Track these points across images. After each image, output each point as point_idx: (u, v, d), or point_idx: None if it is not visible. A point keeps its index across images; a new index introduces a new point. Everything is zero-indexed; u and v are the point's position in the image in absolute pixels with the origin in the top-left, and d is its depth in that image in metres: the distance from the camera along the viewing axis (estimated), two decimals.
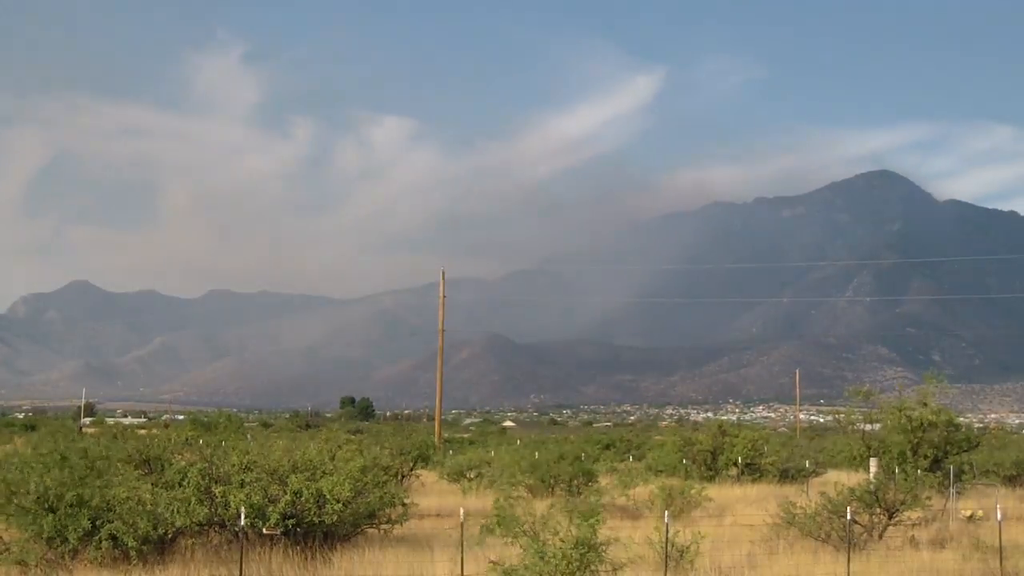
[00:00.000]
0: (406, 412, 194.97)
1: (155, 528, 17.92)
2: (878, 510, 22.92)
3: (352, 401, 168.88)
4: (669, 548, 17.99)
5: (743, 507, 30.57)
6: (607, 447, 65.52)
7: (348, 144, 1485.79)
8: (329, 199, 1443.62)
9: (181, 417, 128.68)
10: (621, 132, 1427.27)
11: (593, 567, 15.15)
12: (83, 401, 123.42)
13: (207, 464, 19.92)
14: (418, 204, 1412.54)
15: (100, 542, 17.41)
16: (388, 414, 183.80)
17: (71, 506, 17.56)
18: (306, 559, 18.53)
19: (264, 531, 18.95)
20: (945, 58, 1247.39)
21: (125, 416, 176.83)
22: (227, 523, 19.21)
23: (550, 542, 15.34)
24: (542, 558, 14.97)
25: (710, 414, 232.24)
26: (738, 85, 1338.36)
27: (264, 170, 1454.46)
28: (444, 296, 64.91)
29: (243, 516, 17.65)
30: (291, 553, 18.75)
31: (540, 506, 22.18)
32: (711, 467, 42.96)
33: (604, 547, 15.53)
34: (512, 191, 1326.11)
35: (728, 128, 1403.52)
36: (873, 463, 32.52)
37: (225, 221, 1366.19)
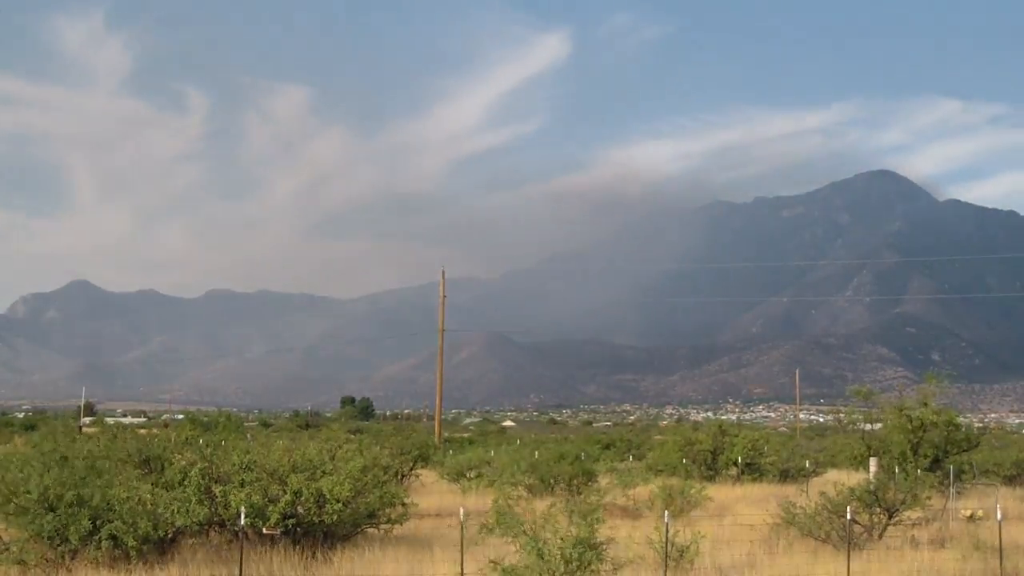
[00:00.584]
0: (406, 412, 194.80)
1: (155, 528, 17.91)
2: (878, 510, 22.92)
3: (352, 401, 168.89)
4: (669, 548, 17.98)
5: (743, 507, 30.56)
6: (607, 447, 65.45)
7: (252, 118, 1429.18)
8: (246, 180, 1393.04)
9: (181, 417, 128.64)
10: (537, 107, 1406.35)
11: (592, 566, 15.15)
12: (83, 401, 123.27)
13: (207, 464, 19.91)
14: (341, 184, 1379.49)
15: (100, 542, 17.40)
16: (388, 414, 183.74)
17: (71, 506, 17.54)
18: (306, 559, 18.53)
19: (264, 531, 18.95)
20: (888, 32, 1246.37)
21: (125, 416, 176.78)
22: (227, 523, 19.21)
23: (549, 541, 15.34)
24: (541, 557, 14.97)
25: (710, 414, 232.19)
26: (649, 51, 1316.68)
27: (170, 147, 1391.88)
28: (444, 296, 64.91)
29: (243, 516, 17.64)
30: (291, 553, 18.74)
31: (540, 506, 22.17)
32: (711, 467, 42.95)
33: (603, 546, 15.53)
34: (441, 167, 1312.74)
35: (647, 98, 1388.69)
36: (873, 463, 32.50)
37: (143, 204, 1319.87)
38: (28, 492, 17.69)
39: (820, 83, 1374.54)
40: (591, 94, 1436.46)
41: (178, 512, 18.32)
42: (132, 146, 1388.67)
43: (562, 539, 15.23)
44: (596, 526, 15.82)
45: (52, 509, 17.56)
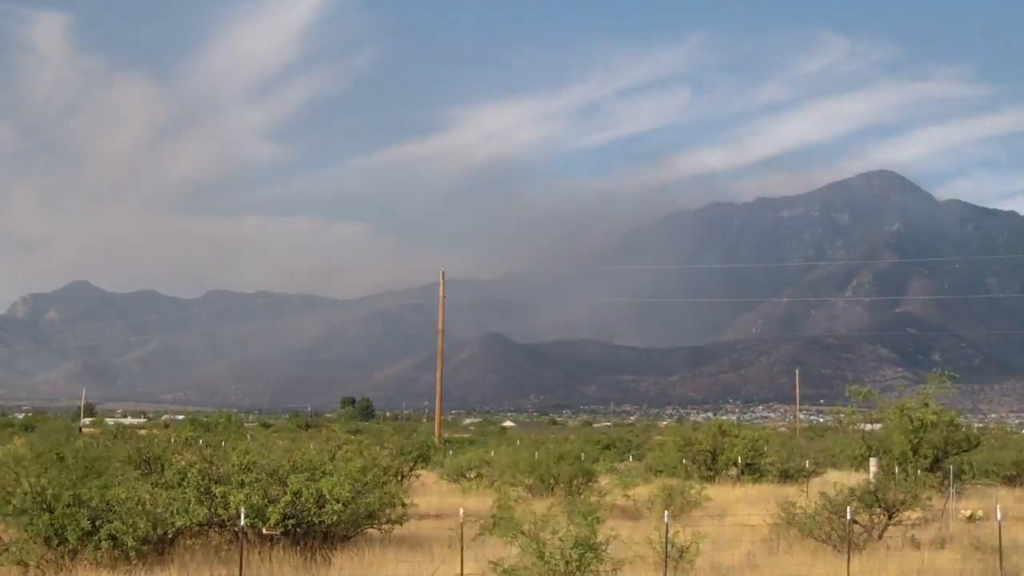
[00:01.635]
0: (406, 412, 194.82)
1: (155, 528, 17.90)
2: (878, 510, 22.91)
3: (352, 401, 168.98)
4: (669, 548, 17.98)
5: (743, 507, 30.55)
6: (607, 447, 65.45)
7: None
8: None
9: (181, 417, 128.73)
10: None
11: (592, 567, 15.15)
12: (83, 401, 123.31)
13: (207, 464, 19.92)
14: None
15: (100, 542, 17.39)
16: (388, 414, 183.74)
17: (69, 506, 17.54)
18: (306, 559, 18.53)
19: (264, 531, 18.95)
20: None
21: (125, 416, 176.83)
22: (227, 523, 19.21)
23: (549, 542, 15.34)
24: (541, 558, 14.97)
25: (710, 414, 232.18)
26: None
27: None
28: (444, 296, 64.91)
29: (243, 516, 17.64)
30: (291, 553, 18.75)
31: (540, 506, 22.18)
32: (711, 467, 42.94)
33: (603, 547, 15.52)
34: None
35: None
36: (873, 463, 32.50)
37: None
38: (25, 493, 17.68)
39: None
40: None
41: (178, 512, 18.32)
42: None
43: (562, 539, 15.23)
44: (596, 526, 15.82)
45: (49, 509, 17.55)
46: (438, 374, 65.38)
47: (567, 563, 14.87)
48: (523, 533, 16.06)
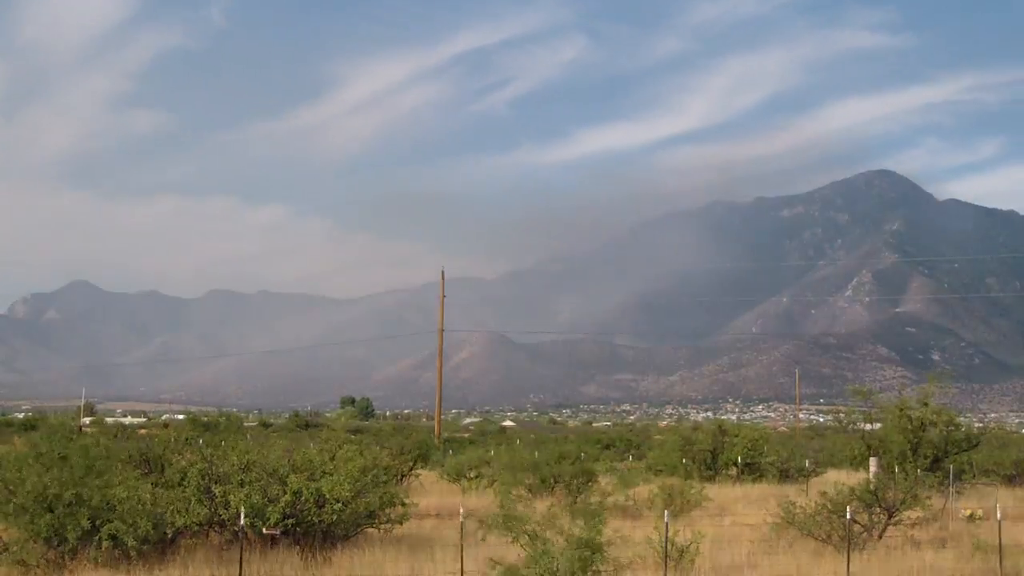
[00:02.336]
0: (406, 412, 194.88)
1: (155, 528, 17.91)
2: (878, 510, 22.91)
3: (352, 401, 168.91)
4: (669, 548, 17.99)
5: (743, 507, 30.58)
6: (607, 447, 65.50)
7: None
8: None
9: (181, 417, 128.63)
10: None
11: (595, 567, 15.16)
12: (83, 401, 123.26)
13: (207, 464, 19.92)
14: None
15: (100, 542, 17.40)
16: (388, 414, 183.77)
17: (69, 505, 17.54)
18: (306, 559, 18.53)
19: (264, 531, 18.95)
20: None
21: (125, 416, 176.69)
22: (227, 523, 19.21)
23: (552, 542, 15.35)
24: (544, 557, 14.97)
25: (710, 414, 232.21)
26: None
27: None
28: (444, 296, 64.91)
29: (243, 516, 17.65)
30: (291, 553, 18.75)
31: (540, 506, 22.19)
32: (711, 467, 42.95)
33: (606, 547, 15.53)
34: None
35: None
36: (873, 463, 32.51)
37: None
38: (26, 492, 17.68)
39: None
40: None
41: (178, 512, 18.32)
42: None
43: (566, 540, 15.24)
44: (600, 527, 15.82)
45: (50, 509, 17.56)
46: (438, 374, 65.40)
47: (570, 563, 14.87)
48: (526, 533, 16.08)
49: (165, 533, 18.30)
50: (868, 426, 36.07)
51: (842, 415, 38.47)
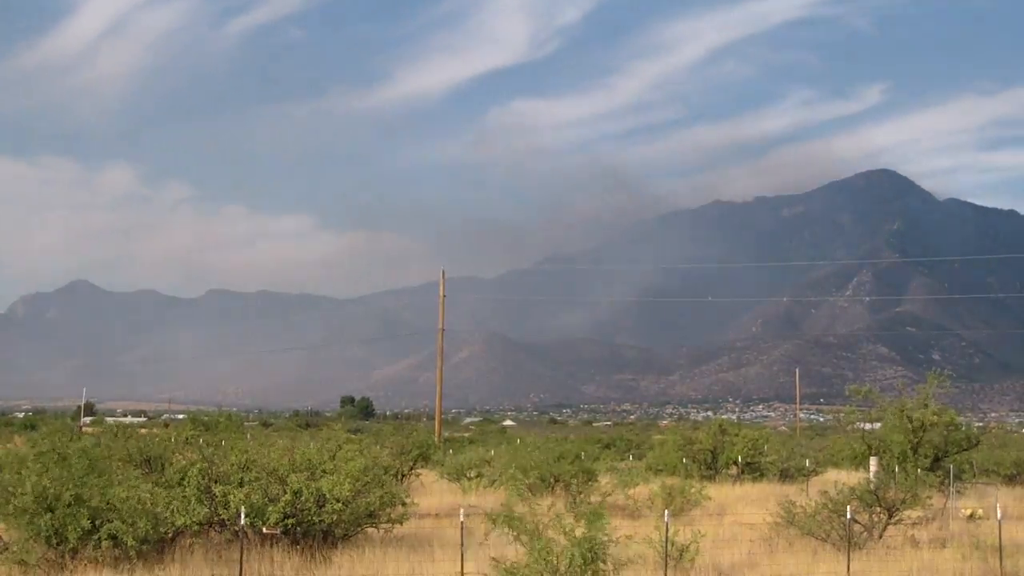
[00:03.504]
0: (406, 412, 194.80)
1: (155, 528, 17.91)
2: (878, 509, 22.91)
3: (352, 401, 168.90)
4: (669, 547, 17.98)
5: (743, 506, 30.56)
6: (607, 446, 65.44)
7: None
8: None
9: (181, 417, 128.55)
10: None
11: (594, 566, 15.15)
12: (83, 401, 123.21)
13: (207, 464, 19.91)
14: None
15: (100, 541, 17.40)
16: (388, 414, 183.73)
17: (69, 505, 17.54)
18: (306, 559, 18.53)
19: (264, 531, 18.96)
20: None
21: (125, 416, 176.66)
22: (227, 523, 19.21)
23: (555, 541, 15.35)
24: (546, 557, 14.97)
25: (710, 413, 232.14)
26: None
27: None
28: (444, 295, 64.88)
29: (243, 516, 17.64)
30: (291, 553, 18.75)
31: (540, 506, 22.15)
32: (711, 466, 42.95)
33: (607, 547, 15.53)
34: None
35: None
36: (873, 462, 32.48)
37: None
38: (26, 492, 17.67)
39: None
40: None
41: (178, 512, 18.32)
42: None
43: (569, 540, 15.24)
44: (604, 527, 15.81)
45: (50, 509, 17.55)
46: (438, 374, 65.35)
47: (571, 562, 14.87)
48: (526, 533, 16.08)
49: (165, 533, 18.30)
50: (868, 426, 36.04)
51: (842, 415, 38.43)
